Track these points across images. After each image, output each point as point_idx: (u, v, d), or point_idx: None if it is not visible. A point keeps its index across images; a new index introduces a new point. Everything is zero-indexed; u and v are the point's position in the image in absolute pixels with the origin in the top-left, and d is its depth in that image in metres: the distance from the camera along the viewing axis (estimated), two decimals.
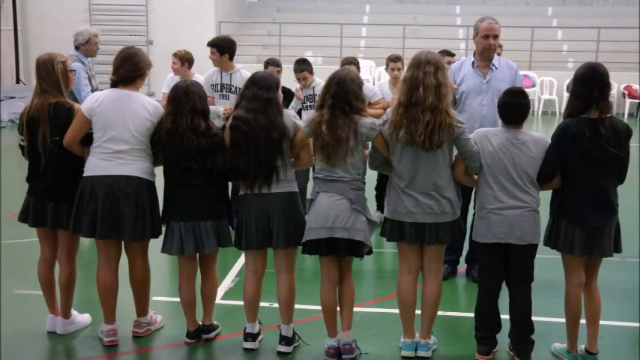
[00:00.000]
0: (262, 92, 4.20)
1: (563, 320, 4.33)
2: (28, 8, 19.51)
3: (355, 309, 4.42)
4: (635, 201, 7.82)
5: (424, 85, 4.01)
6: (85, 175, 4.33)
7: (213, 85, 6.79)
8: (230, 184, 4.92)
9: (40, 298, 4.68)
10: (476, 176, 4.26)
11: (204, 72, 7.13)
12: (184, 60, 7.41)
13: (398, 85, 4.59)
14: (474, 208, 4.33)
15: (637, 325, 4.89)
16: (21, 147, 4.53)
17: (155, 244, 4.50)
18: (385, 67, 7.56)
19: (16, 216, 4.61)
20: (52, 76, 4.38)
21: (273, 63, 7.08)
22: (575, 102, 4.08)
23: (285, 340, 4.40)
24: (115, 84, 4.41)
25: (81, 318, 4.74)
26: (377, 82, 15.12)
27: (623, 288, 5.59)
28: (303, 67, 6.92)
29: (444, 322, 4.83)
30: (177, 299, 4.58)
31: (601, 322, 4.29)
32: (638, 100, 17.52)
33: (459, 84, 5.46)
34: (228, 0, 20.70)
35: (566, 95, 14.61)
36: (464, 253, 5.81)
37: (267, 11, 22.27)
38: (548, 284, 5.08)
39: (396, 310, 4.43)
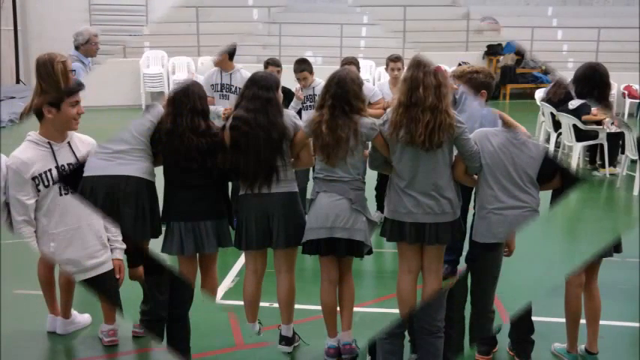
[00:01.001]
0: (262, 92, 4.20)
1: (563, 320, 4.32)
2: (28, 8, 19.49)
3: (355, 309, 4.42)
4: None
5: (424, 85, 4.00)
6: (85, 175, 4.32)
7: (213, 85, 6.78)
8: (230, 184, 4.92)
9: (40, 298, 4.68)
10: (476, 176, 4.26)
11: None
12: None
13: (398, 85, 4.58)
14: (474, 208, 4.33)
15: (637, 325, 4.89)
16: None
17: (155, 244, 4.50)
18: (385, 67, 7.54)
19: None
20: (52, 76, 4.39)
21: (273, 63, 7.07)
22: None
23: (285, 340, 4.40)
24: None
25: (81, 318, 4.74)
26: (377, 82, 15.10)
27: (623, 288, 5.58)
28: (303, 67, 6.91)
29: None
30: None
31: (601, 322, 4.30)
32: (638, 100, 17.50)
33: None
34: None
35: None
36: (464, 253, 5.79)
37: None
38: None
39: (396, 310, 4.42)
